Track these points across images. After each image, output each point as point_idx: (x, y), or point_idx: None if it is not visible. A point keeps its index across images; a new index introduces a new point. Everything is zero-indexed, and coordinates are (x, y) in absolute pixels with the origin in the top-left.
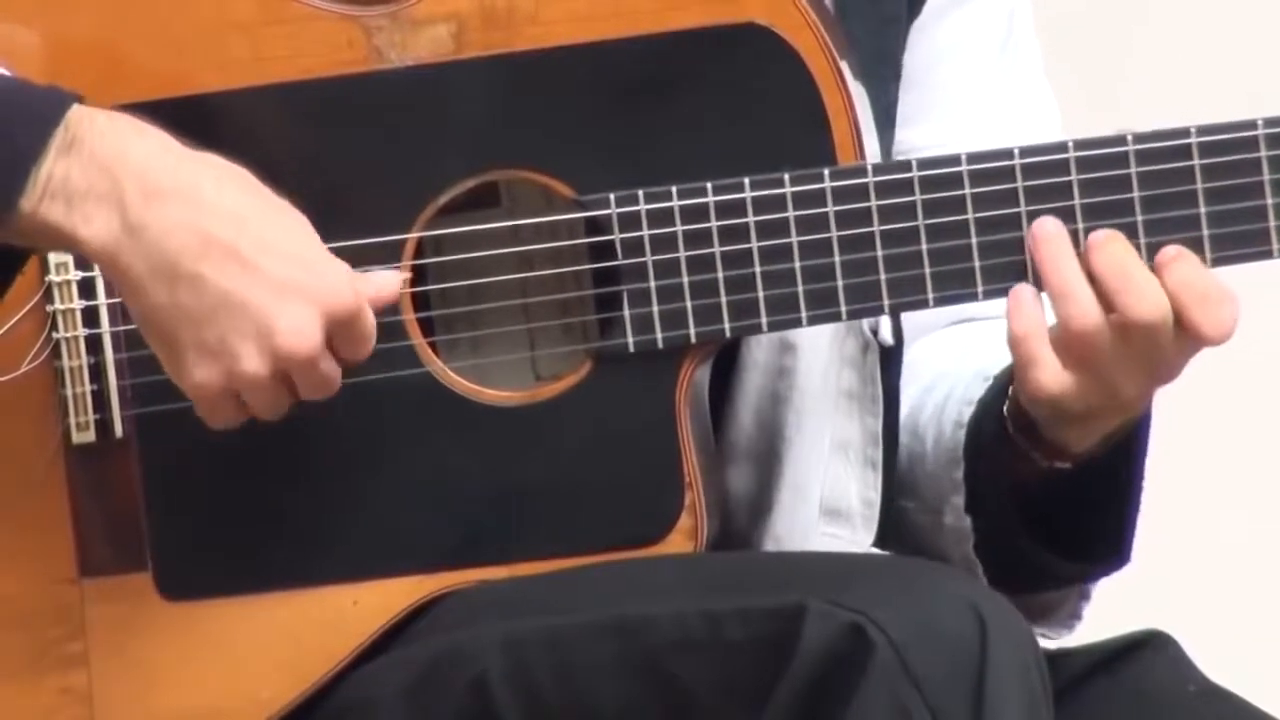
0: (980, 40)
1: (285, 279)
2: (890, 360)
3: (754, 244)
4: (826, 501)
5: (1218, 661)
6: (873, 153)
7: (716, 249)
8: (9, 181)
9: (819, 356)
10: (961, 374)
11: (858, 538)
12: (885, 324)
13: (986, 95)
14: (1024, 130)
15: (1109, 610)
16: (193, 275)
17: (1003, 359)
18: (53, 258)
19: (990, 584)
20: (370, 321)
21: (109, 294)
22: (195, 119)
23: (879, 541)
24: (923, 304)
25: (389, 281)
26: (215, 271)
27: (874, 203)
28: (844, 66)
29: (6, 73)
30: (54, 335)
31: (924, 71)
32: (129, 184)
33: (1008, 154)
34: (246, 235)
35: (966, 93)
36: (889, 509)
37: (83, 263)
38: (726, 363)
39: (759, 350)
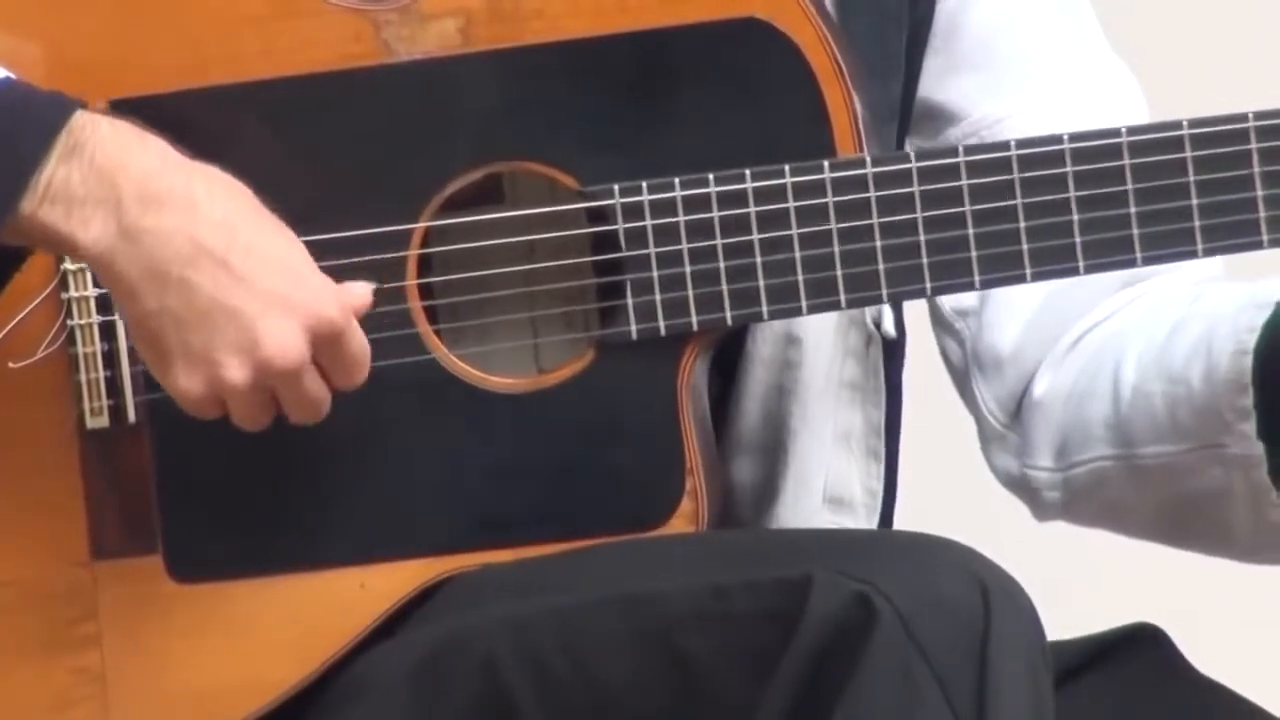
0: (1040, 4)
1: (272, 290)
2: (894, 353)
3: (755, 234)
4: (829, 491)
5: (1208, 655)
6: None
7: (718, 239)
8: (12, 185)
9: (823, 350)
10: (1219, 313)
11: (860, 526)
12: (888, 317)
13: (1069, 52)
14: (1115, 79)
15: (1100, 604)
16: (182, 281)
17: (1272, 287)
18: None
19: None
20: (361, 346)
21: None
22: (205, 111)
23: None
24: (920, 293)
25: (362, 292)
26: (205, 279)
27: (873, 194)
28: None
29: (12, 76)
30: (69, 322)
31: (987, 49)
32: (127, 191)
33: (1004, 146)
34: (237, 245)
35: (1048, 55)
36: (892, 498)
37: None
38: (732, 356)
39: (764, 344)
